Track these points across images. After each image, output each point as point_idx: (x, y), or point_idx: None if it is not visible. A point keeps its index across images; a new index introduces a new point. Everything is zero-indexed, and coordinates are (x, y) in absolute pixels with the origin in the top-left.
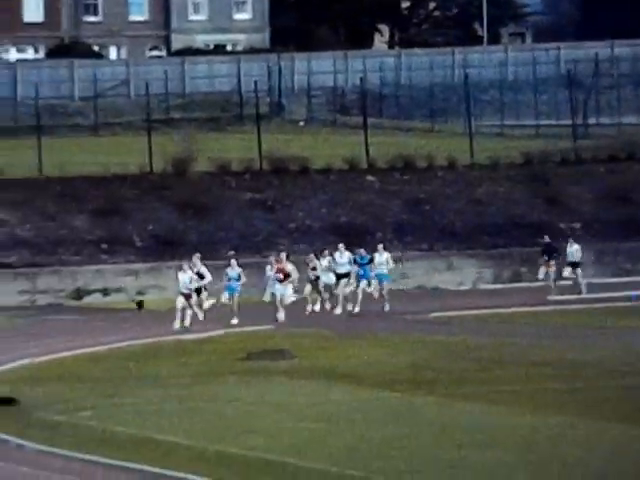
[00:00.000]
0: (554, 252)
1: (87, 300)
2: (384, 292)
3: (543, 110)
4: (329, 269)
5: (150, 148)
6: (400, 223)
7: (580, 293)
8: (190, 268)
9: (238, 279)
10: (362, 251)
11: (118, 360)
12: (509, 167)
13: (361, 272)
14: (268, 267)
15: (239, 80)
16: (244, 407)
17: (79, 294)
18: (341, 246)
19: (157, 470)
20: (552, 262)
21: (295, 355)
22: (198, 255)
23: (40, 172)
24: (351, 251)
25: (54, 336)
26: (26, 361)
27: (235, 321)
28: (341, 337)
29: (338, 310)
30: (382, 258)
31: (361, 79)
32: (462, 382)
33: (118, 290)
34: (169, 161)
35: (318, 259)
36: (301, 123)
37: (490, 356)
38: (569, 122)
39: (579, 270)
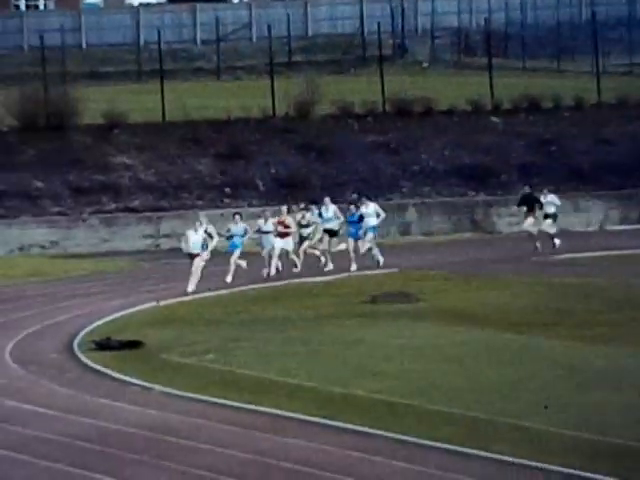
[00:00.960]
0: (535, 202)
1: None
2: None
3: None
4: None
5: (273, 91)
6: (525, 165)
7: (554, 247)
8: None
9: (243, 235)
10: (352, 207)
11: (241, 303)
12: (637, 106)
13: (351, 230)
14: (261, 221)
15: (362, 22)
16: (368, 349)
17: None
18: (327, 200)
19: (281, 412)
20: (533, 213)
21: (419, 298)
22: (204, 214)
23: (163, 117)
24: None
25: (178, 280)
26: (151, 304)
27: (229, 279)
28: (465, 279)
29: (330, 266)
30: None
31: (485, 19)
32: (590, 324)
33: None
34: (292, 104)
35: (292, 212)
36: (424, 64)
37: (619, 297)
38: None
39: (549, 221)
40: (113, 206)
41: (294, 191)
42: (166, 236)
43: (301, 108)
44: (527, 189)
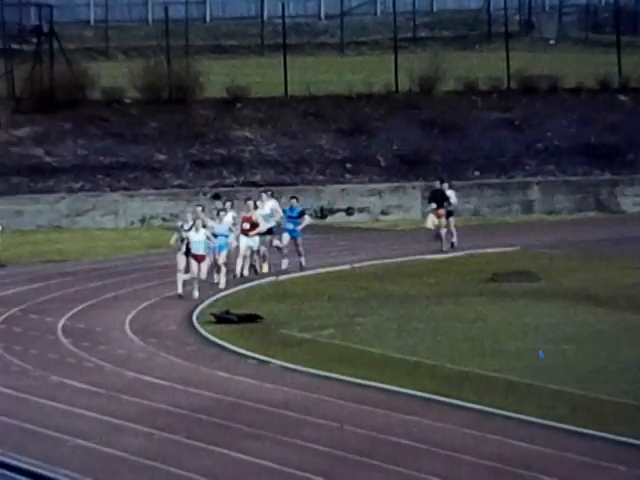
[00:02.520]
0: (444, 200)
1: (331, 219)
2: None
3: None
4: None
5: (396, 67)
6: None
7: (453, 246)
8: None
9: (227, 234)
10: (293, 201)
11: (361, 279)
12: None
13: (290, 226)
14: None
15: None
16: (489, 328)
17: (323, 213)
18: (264, 195)
19: (399, 389)
20: (442, 211)
21: (541, 277)
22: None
23: (286, 91)
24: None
25: (297, 255)
26: (271, 279)
27: (222, 284)
28: (588, 259)
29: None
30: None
31: None
32: None
33: (362, 210)
34: (415, 80)
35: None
36: (551, 41)
37: None
38: None
39: (452, 219)
40: (234, 180)
41: (415, 168)
42: None
43: (425, 84)
44: (438, 184)
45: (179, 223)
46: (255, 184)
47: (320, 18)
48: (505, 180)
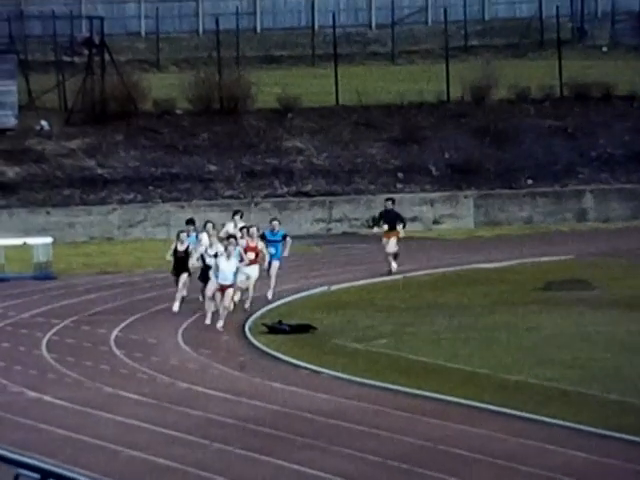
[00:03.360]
0: (398, 220)
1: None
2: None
3: None
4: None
5: (447, 75)
6: None
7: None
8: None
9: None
10: (275, 223)
11: (414, 288)
12: None
13: (272, 250)
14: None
15: (540, 5)
16: (543, 337)
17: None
18: (237, 217)
19: (453, 398)
20: (400, 232)
21: (595, 285)
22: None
23: (337, 101)
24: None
25: (349, 264)
26: (323, 288)
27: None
28: None
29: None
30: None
31: None
32: None
33: (414, 219)
34: (466, 89)
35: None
36: (604, 49)
37: None
38: None
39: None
40: (285, 190)
41: (467, 177)
42: (338, 221)
43: (476, 92)
44: (389, 205)
45: (202, 248)
46: (307, 194)
47: (371, 27)
48: (558, 188)
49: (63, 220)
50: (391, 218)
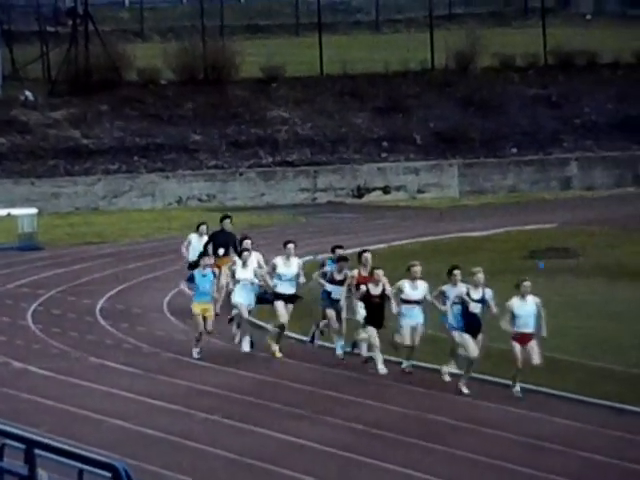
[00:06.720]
0: (233, 244)
1: (367, 198)
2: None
3: None
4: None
5: (432, 44)
6: None
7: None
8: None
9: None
10: (340, 251)
11: (398, 258)
12: None
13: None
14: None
15: None
16: None
17: (360, 192)
18: (291, 246)
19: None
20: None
21: (580, 253)
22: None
23: (321, 70)
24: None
25: (335, 234)
26: (308, 258)
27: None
28: (628, 235)
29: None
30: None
31: None
32: None
33: (398, 188)
34: (451, 57)
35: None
36: (588, 16)
37: None
38: None
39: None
40: (270, 160)
41: (452, 145)
42: (323, 190)
43: (461, 61)
44: (227, 224)
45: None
46: (291, 164)
47: None
48: (543, 157)
49: (48, 191)
50: (225, 241)
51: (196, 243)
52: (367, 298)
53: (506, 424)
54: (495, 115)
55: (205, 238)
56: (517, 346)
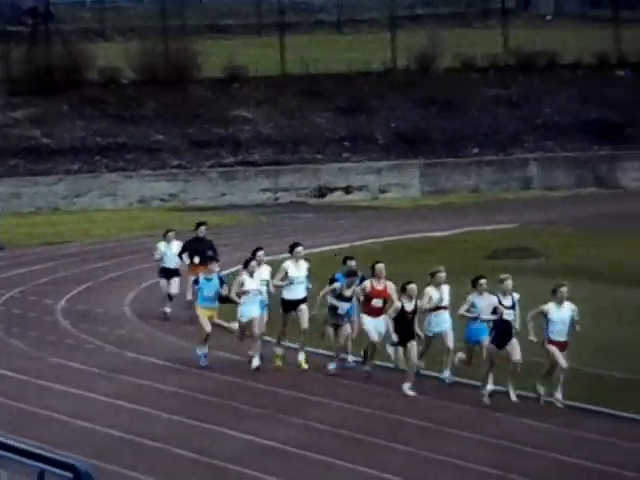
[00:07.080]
0: (211, 251)
1: (329, 198)
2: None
3: None
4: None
5: (394, 45)
6: None
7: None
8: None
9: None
10: (352, 264)
11: (359, 258)
12: None
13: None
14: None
15: None
16: None
17: (321, 192)
18: (300, 249)
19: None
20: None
21: (541, 253)
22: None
23: (283, 70)
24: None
25: (296, 234)
26: (269, 258)
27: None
28: (588, 235)
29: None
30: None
31: None
32: None
33: (360, 188)
34: (413, 58)
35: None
36: (548, 17)
37: None
38: None
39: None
40: (232, 160)
41: (414, 146)
42: (285, 190)
43: (423, 61)
44: (202, 231)
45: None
46: (253, 163)
47: None
48: (504, 157)
49: (8, 190)
50: (205, 248)
51: (166, 250)
52: (402, 315)
53: (477, 424)
54: (456, 115)
55: (175, 244)
56: (555, 350)
